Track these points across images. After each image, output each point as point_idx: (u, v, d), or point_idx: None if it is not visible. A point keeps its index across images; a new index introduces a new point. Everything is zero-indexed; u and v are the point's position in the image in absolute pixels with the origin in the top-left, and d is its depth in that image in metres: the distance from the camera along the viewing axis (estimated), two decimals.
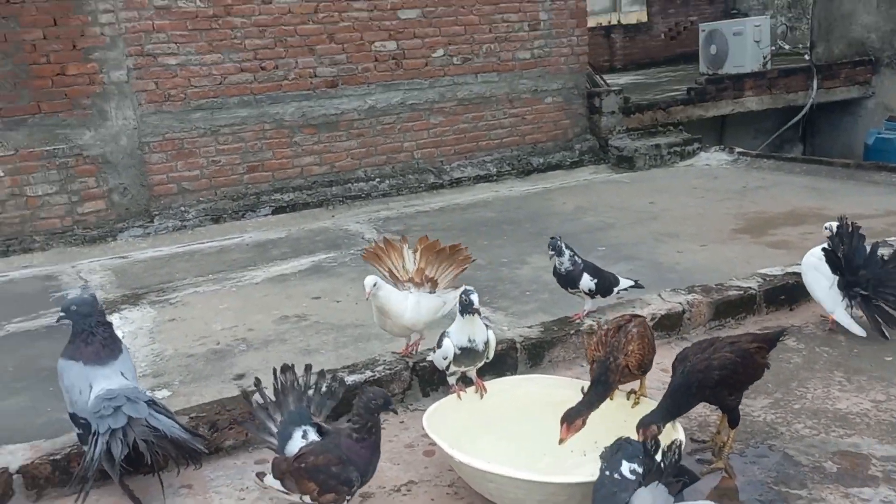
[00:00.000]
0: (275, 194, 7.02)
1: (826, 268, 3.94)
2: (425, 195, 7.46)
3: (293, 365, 2.69)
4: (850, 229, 3.89)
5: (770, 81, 9.84)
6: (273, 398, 2.62)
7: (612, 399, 2.96)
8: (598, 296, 3.85)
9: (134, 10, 6.31)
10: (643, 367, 2.87)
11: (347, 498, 2.45)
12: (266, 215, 6.86)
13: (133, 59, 6.36)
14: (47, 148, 6.18)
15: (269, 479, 2.51)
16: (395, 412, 2.60)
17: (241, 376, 3.61)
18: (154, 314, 4.62)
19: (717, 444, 2.91)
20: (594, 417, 2.96)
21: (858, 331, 3.94)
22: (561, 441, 2.62)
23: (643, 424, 2.49)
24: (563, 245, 3.81)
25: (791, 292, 4.27)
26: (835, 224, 3.94)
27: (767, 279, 4.28)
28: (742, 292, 4.14)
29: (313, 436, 2.53)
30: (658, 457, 2.26)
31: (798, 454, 2.91)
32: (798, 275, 4.21)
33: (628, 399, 2.93)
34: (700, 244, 5.23)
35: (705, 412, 3.24)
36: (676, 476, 2.23)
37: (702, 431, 3.09)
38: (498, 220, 6.36)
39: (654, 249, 5.17)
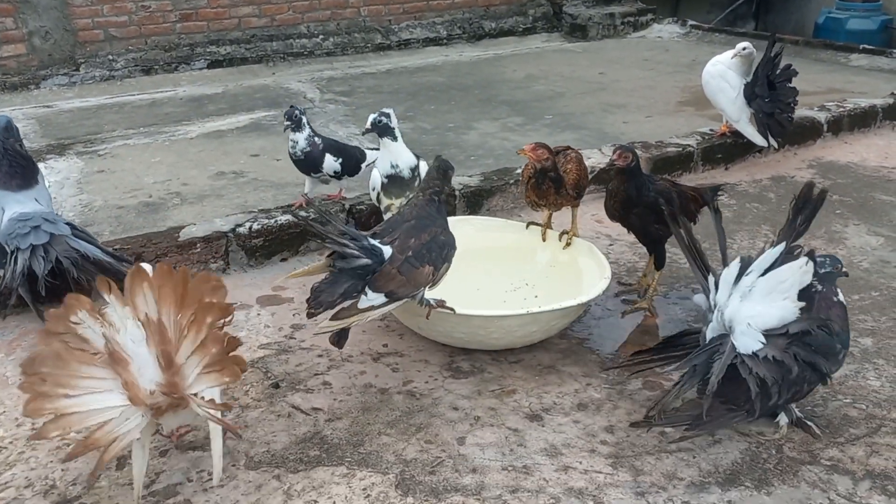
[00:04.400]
0: (210, 46, 6.64)
1: (733, 76, 4.10)
2: (371, 56, 7.14)
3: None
4: (776, 55, 4.11)
5: None
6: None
7: (544, 240, 3.00)
8: (346, 176, 3.44)
9: None
10: (579, 189, 2.89)
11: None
12: (201, 69, 6.50)
13: None
14: None
15: (372, 296, 2.28)
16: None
17: (176, 229, 3.50)
18: (82, 165, 4.41)
19: (643, 286, 3.00)
20: (525, 255, 3.01)
21: (760, 140, 4.16)
22: (520, 152, 2.74)
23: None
24: (305, 119, 3.30)
25: (728, 151, 4.33)
26: (750, 45, 4.15)
27: (706, 137, 4.32)
28: (680, 149, 4.18)
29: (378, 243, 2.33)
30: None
31: None
32: (737, 134, 4.26)
33: (560, 240, 2.96)
34: (646, 115, 5.21)
35: (634, 259, 3.31)
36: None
37: (629, 276, 3.17)
38: (447, 85, 6.18)
39: (601, 119, 5.13)
